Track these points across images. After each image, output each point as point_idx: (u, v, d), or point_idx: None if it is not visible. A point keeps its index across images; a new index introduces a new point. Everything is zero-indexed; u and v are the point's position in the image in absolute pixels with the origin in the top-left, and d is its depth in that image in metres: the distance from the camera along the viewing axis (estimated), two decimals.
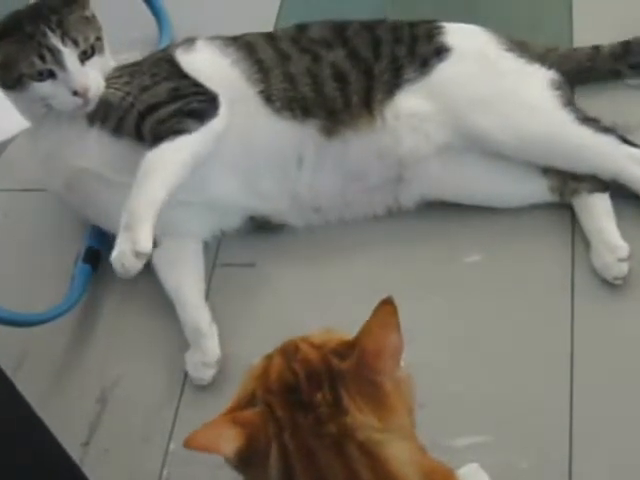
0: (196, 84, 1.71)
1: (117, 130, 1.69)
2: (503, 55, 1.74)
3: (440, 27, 1.76)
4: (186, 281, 1.73)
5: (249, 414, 1.04)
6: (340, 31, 1.77)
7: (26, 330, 1.70)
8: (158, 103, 1.68)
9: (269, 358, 1.09)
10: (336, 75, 1.72)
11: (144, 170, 1.60)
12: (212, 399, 1.63)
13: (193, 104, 1.67)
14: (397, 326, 1.05)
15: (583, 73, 1.82)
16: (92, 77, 1.66)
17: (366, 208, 1.76)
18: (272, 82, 1.72)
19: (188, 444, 1.01)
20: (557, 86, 1.71)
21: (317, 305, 1.70)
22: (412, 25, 1.77)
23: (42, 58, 1.63)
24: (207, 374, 1.65)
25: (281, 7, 2.16)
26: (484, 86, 1.70)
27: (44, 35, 1.64)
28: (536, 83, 1.72)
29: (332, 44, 1.75)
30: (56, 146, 1.72)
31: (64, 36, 1.64)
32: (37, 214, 1.94)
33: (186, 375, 1.67)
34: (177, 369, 1.68)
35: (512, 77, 1.72)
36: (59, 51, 1.63)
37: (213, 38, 1.77)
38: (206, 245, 1.79)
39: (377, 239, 1.76)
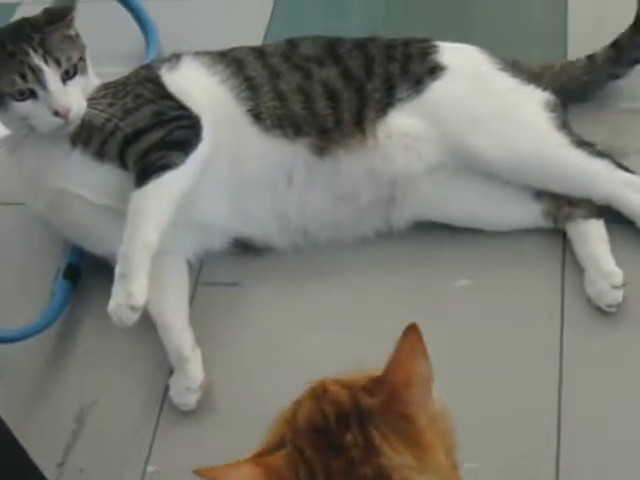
0: (180, 106, 1.68)
1: (99, 154, 1.66)
2: (497, 75, 1.72)
3: (434, 46, 1.74)
4: (169, 304, 1.69)
5: (275, 458, 0.99)
6: (332, 48, 1.74)
7: (3, 346, 1.68)
8: (141, 129, 1.65)
9: (298, 402, 1.04)
10: (328, 93, 1.70)
11: (134, 212, 1.59)
12: (191, 421, 1.61)
13: (176, 132, 1.65)
14: (424, 353, 1.00)
15: (581, 86, 1.80)
16: (74, 97, 1.63)
17: (356, 230, 1.73)
18: (262, 100, 1.69)
19: (202, 473, 0.96)
20: (552, 108, 1.69)
21: (301, 327, 1.67)
22: (406, 43, 1.75)
23: (23, 77, 1.60)
24: (191, 399, 1.62)
25: (270, 22, 2.13)
26: (478, 105, 1.68)
27: (26, 54, 1.61)
28: (530, 104, 1.70)
29: (324, 61, 1.73)
30: (38, 166, 1.69)
31: (46, 55, 1.62)
32: (17, 228, 1.91)
33: (165, 396, 1.64)
34: (156, 389, 1.65)
35: (506, 97, 1.70)
36: (41, 70, 1.61)
37: (200, 54, 1.75)
38: (189, 263, 1.76)
39: (365, 261, 1.73)
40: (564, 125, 1.69)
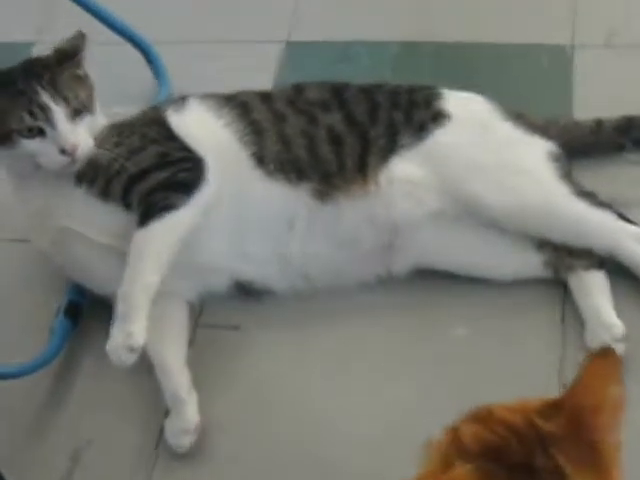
0: (184, 148, 1.69)
1: (104, 193, 1.67)
2: (501, 124, 1.73)
3: (439, 93, 1.75)
4: (169, 346, 1.68)
5: (461, 474, 0.96)
6: (338, 94, 1.75)
7: (1, 382, 1.67)
8: (146, 170, 1.66)
9: (453, 429, 1.02)
10: (331, 138, 1.70)
11: (136, 252, 1.60)
12: (187, 463, 1.60)
13: (180, 174, 1.66)
14: (619, 378, 0.97)
15: (585, 146, 1.80)
16: (81, 136, 1.65)
17: (356, 275, 1.73)
18: (266, 144, 1.70)
19: None
20: (555, 158, 1.70)
21: (300, 372, 1.67)
22: (411, 90, 1.76)
23: (32, 115, 1.62)
24: (185, 441, 1.61)
25: (280, 67, 2.14)
26: (481, 153, 1.68)
27: (35, 92, 1.62)
28: (533, 153, 1.70)
29: (329, 106, 1.74)
30: (43, 203, 1.70)
31: (55, 94, 1.63)
32: (20, 265, 1.91)
33: (160, 437, 1.63)
34: (152, 430, 1.64)
35: (510, 146, 1.71)
36: (49, 109, 1.62)
37: (206, 96, 1.76)
38: (190, 305, 1.75)
39: (365, 306, 1.72)
40: (567, 175, 1.69)
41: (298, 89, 1.77)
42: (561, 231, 1.67)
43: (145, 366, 1.65)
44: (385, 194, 1.67)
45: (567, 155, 1.74)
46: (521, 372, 1.60)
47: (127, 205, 1.66)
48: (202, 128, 1.72)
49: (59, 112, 1.62)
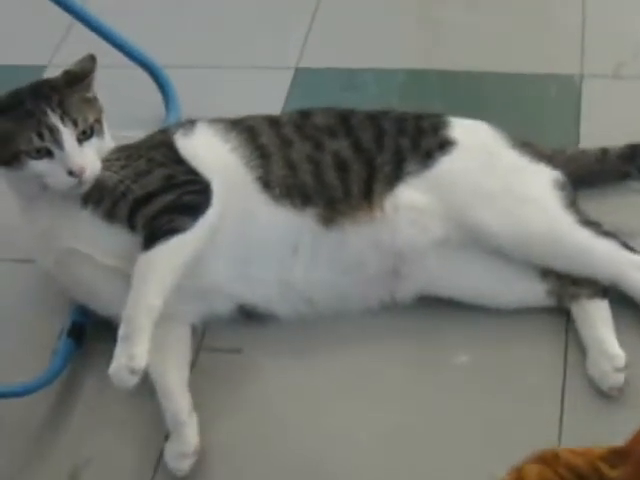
0: (191, 171, 1.69)
1: (109, 215, 1.67)
2: (507, 152, 1.73)
3: (446, 121, 1.75)
4: (170, 369, 1.68)
5: None
6: (344, 120, 1.76)
7: (3, 401, 1.67)
8: (152, 193, 1.66)
9: (517, 470, 1.03)
10: (338, 164, 1.71)
11: (140, 274, 1.60)
12: None
13: (186, 197, 1.66)
14: None
15: (591, 175, 1.80)
16: (89, 158, 1.65)
17: (360, 301, 1.72)
18: (272, 168, 1.70)
19: None
20: (560, 187, 1.70)
21: (301, 397, 1.66)
22: (418, 117, 1.76)
23: (40, 136, 1.62)
24: (185, 465, 1.60)
25: (289, 93, 2.15)
26: (486, 181, 1.69)
27: (44, 113, 1.63)
28: (539, 182, 1.70)
29: (336, 132, 1.74)
30: (48, 224, 1.70)
31: (64, 116, 1.64)
32: (24, 285, 1.91)
33: (160, 460, 1.62)
34: (152, 453, 1.63)
35: (515, 174, 1.71)
36: (58, 130, 1.63)
37: (214, 120, 1.76)
38: (192, 328, 1.75)
39: (368, 332, 1.72)
40: (572, 204, 1.69)
41: (305, 114, 1.78)
42: (565, 260, 1.66)
43: (147, 388, 1.65)
44: (390, 221, 1.67)
45: (573, 184, 1.74)
46: (523, 400, 1.59)
47: (132, 227, 1.66)
48: (209, 152, 1.72)
49: (67, 134, 1.63)
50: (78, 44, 2.19)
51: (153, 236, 1.63)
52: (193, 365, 1.72)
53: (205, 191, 1.67)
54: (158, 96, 2.16)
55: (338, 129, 1.75)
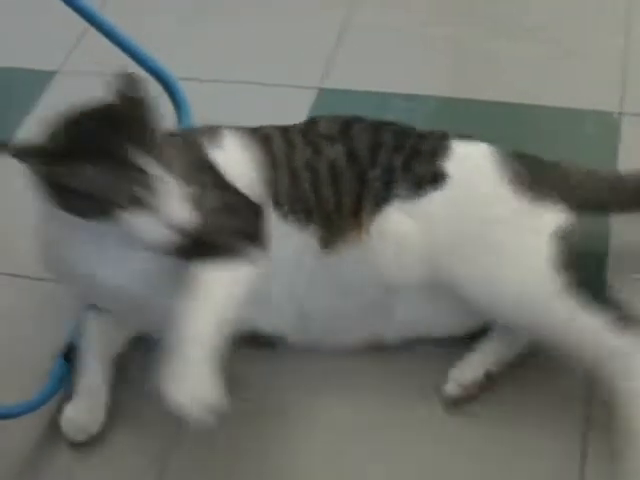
0: (241, 193, 1.54)
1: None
2: (505, 194, 1.56)
3: (446, 147, 1.61)
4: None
5: None
6: (346, 127, 1.65)
7: None
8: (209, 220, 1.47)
9: None
10: (333, 175, 1.59)
11: (203, 296, 1.43)
12: None
13: (249, 224, 1.52)
14: None
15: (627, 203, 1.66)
16: (186, 207, 1.40)
17: (355, 330, 1.62)
18: (280, 179, 1.59)
19: None
20: (561, 237, 1.52)
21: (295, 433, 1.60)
22: (421, 136, 1.64)
23: (139, 183, 1.36)
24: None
25: (310, 114, 2.05)
26: (468, 229, 1.53)
27: (135, 156, 1.36)
28: (530, 232, 1.53)
29: (335, 139, 1.63)
30: (87, 258, 1.49)
31: (155, 157, 1.37)
32: (20, 302, 1.84)
33: None
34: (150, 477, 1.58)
35: (503, 222, 1.53)
36: (154, 176, 1.37)
37: (238, 131, 1.64)
38: None
39: (363, 375, 1.64)
40: (566, 262, 1.49)
41: (312, 121, 1.69)
42: (539, 331, 1.50)
43: (139, 409, 1.63)
44: (377, 248, 1.55)
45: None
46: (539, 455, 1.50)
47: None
48: (237, 167, 1.58)
49: (164, 178, 1.38)
50: (91, 51, 2.12)
51: (217, 254, 1.46)
52: None
53: (258, 215, 1.54)
54: (170, 108, 2.07)
55: (338, 136, 1.63)
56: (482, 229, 1.53)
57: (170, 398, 1.35)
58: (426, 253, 1.54)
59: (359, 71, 2.15)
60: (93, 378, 1.65)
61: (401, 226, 1.56)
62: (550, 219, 1.54)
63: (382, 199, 1.57)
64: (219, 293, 1.45)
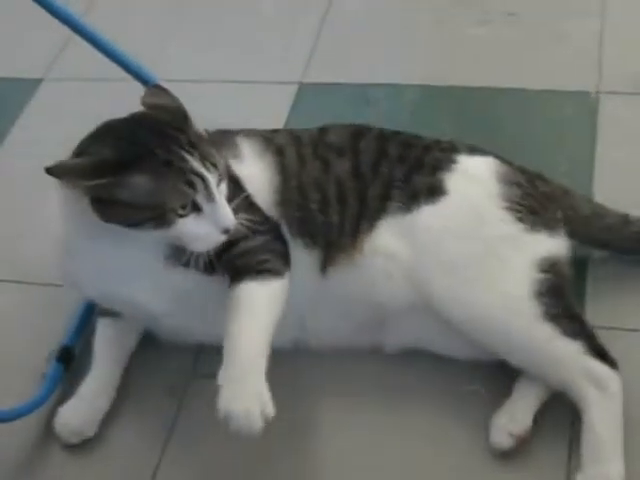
0: (264, 213, 1.53)
1: (187, 263, 1.46)
2: (499, 216, 1.53)
3: (451, 161, 1.58)
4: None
5: None
6: (355, 138, 1.62)
7: None
8: (236, 239, 1.46)
9: None
10: (339, 197, 1.57)
11: (243, 310, 1.43)
12: None
13: (276, 243, 1.51)
14: None
15: (629, 248, 1.65)
16: (231, 210, 1.40)
17: (351, 343, 1.61)
18: (291, 200, 1.56)
19: None
20: (545, 267, 1.51)
21: (290, 444, 1.58)
22: (426, 147, 1.61)
23: (192, 186, 1.35)
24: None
25: (291, 110, 2.07)
26: (457, 247, 1.52)
27: (182, 159, 1.35)
28: (518, 260, 1.51)
29: (344, 151, 1.60)
30: (111, 267, 1.49)
31: (203, 159, 1.37)
32: (13, 306, 1.85)
33: None
34: None
35: (494, 247, 1.52)
36: (205, 177, 1.36)
37: (252, 136, 1.62)
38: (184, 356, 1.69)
39: (364, 393, 1.62)
40: (550, 290, 1.49)
41: (323, 130, 1.65)
42: (514, 355, 1.51)
43: (137, 411, 1.63)
44: (370, 267, 1.54)
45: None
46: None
47: (210, 270, 1.48)
48: (255, 184, 1.56)
49: (213, 181, 1.36)
50: (75, 58, 2.14)
51: (247, 271, 1.45)
52: (185, 393, 1.65)
53: (281, 233, 1.53)
54: None
55: (347, 147, 1.61)
56: (468, 248, 1.52)
57: (228, 413, 1.35)
58: (410, 271, 1.53)
59: (339, 63, 2.16)
60: (98, 382, 1.65)
61: (390, 242, 1.55)
62: (540, 246, 1.53)
63: (377, 215, 1.56)
64: (263, 310, 1.44)
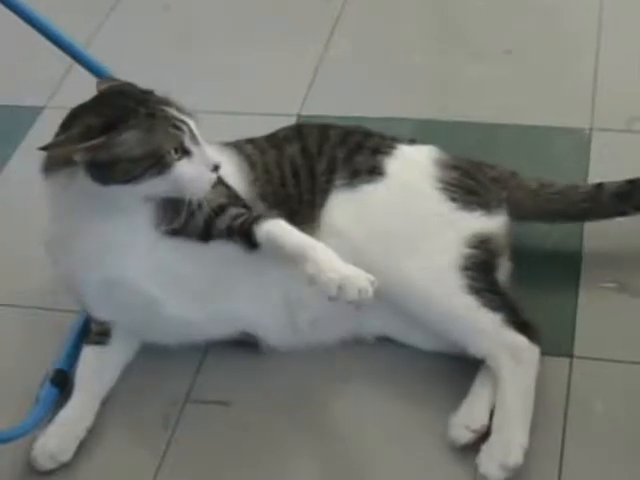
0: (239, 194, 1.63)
1: (182, 230, 1.55)
2: (433, 196, 1.63)
3: (390, 147, 1.69)
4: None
5: None
6: (300, 129, 1.75)
7: None
8: (224, 204, 1.55)
9: None
10: (293, 171, 1.67)
11: (288, 237, 1.49)
12: None
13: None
14: None
15: (581, 212, 1.73)
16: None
17: (336, 330, 1.66)
18: (258, 178, 1.66)
19: None
20: (475, 243, 1.60)
21: (285, 454, 1.60)
22: (367, 135, 1.72)
23: (179, 129, 1.48)
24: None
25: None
26: (390, 222, 1.61)
27: (163, 111, 1.49)
28: (446, 235, 1.60)
29: (292, 139, 1.71)
30: (101, 248, 1.56)
31: (180, 110, 1.51)
32: (7, 329, 1.86)
33: None
34: None
35: (426, 222, 1.61)
36: (187, 123, 1.50)
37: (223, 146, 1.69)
38: (180, 379, 1.71)
39: (355, 387, 1.66)
40: (475, 265, 1.58)
41: (273, 132, 1.77)
42: (437, 324, 1.59)
43: (131, 438, 1.63)
44: (325, 243, 1.55)
45: (561, 220, 1.73)
46: None
47: (204, 237, 1.55)
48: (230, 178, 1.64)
49: (194, 126, 1.51)
50: (77, 86, 2.15)
51: (241, 229, 1.52)
52: (178, 418, 1.66)
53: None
54: None
55: (294, 137, 1.72)
56: (402, 222, 1.61)
57: (343, 278, 1.41)
58: (356, 245, 1.58)
59: (337, 98, 2.21)
60: (74, 411, 1.66)
61: (339, 221, 1.62)
62: (472, 224, 1.62)
63: (327, 189, 1.64)
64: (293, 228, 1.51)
